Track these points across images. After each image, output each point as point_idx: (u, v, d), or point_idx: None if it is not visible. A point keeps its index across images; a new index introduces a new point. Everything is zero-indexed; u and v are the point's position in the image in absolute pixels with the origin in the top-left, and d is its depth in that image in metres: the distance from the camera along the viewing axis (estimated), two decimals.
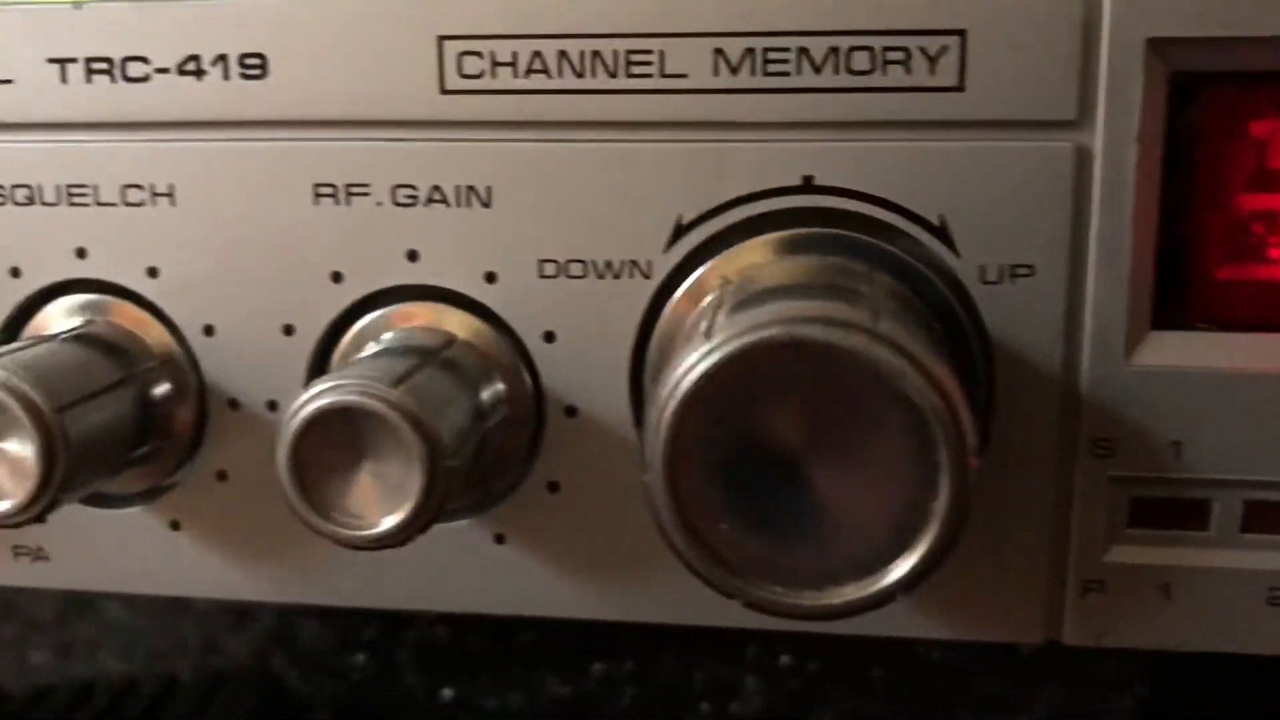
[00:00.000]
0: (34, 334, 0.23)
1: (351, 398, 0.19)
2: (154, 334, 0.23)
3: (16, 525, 0.20)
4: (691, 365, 0.17)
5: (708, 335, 0.17)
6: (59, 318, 0.23)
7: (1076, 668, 0.27)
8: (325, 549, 0.22)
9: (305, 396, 0.19)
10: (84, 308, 0.23)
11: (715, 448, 0.18)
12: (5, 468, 0.20)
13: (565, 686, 0.28)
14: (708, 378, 0.17)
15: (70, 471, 0.20)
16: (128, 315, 0.23)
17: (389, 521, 0.19)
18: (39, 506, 0.20)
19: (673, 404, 0.17)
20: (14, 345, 0.21)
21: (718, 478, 0.18)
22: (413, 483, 0.19)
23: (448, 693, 0.28)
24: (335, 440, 0.19)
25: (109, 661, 0.38)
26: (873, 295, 0.19)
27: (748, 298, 0.19)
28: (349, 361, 0.21)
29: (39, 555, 0.24)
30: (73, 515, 0.24)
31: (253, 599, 0.23)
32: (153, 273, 0.22)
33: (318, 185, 0.22)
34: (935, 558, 0.17)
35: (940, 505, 0.17)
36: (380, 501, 0.19)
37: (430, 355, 0.21)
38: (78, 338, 0.22)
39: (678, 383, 0.17)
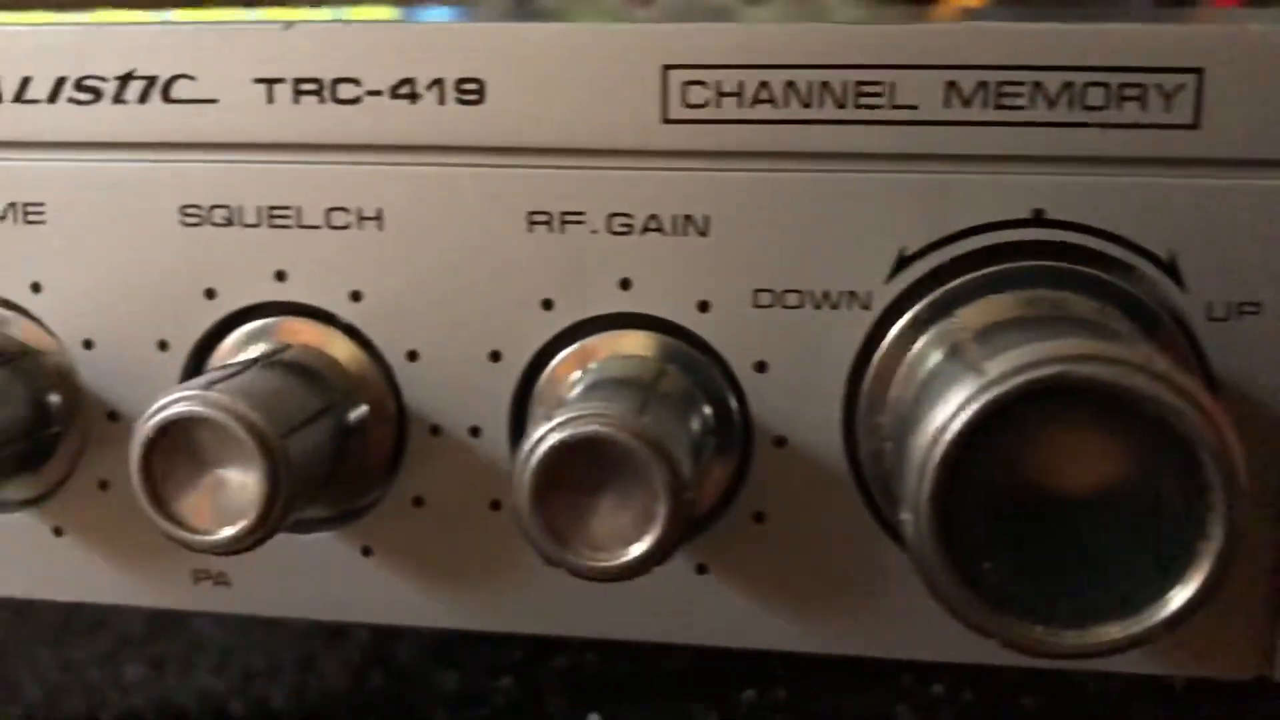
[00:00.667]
0: (222, 358, 0.23)
1: (600, 428, 0.19)
2: (351, 358, 0.22)
3: (234, 553, 0.20)
4: (965, 402, 0.17)
5: (978, 372, 0.17)
6: (247, 341, 0.23)
7: (1233, 700, 0.27)
8: (523, 576, 0.22)
9: (548, 427, 0.19)
10: (270, 331, 0.23)
11: (982, 486, 0.18)
12: (225, 494, 0.20)
13: (714, 713, 0.28)
14: (983, 415, 0.17)
15: (290, 499, 0.20)
16: (322, 339, 0.23)
17: (635, 551, 0.19)
18: (260, 534, 0.20)
19: (944, 441, 0.17)
20: (223, 371, 0.21)
21: (983, 516, 0.18)
22: (657, 515, 0.19)
23: (594, 718, 0.28)
24: (575, 472, 0.19)
25: (204, 679, 0.37)
26: (1127, 331, 0.19)
27: (990, 330, 0.19)
28: (570, 391, 0.21)
29: (220, 580, 0.24)
30: None
31: (447, 626, 0.23)
32: (356, 296, 0.22)
33: (532, 212, 0.21)
34: (1203, 598, 0.17)
35: (1211, 546, 0.17)
36: (621, 534, 0.19)
37: (651, 386, 0.21)
38: (278, 363, 0.22)
39: (949, 420, 0.17)
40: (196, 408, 0.20)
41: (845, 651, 0.22)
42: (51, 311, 0.23)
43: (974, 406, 0.17)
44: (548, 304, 0.22)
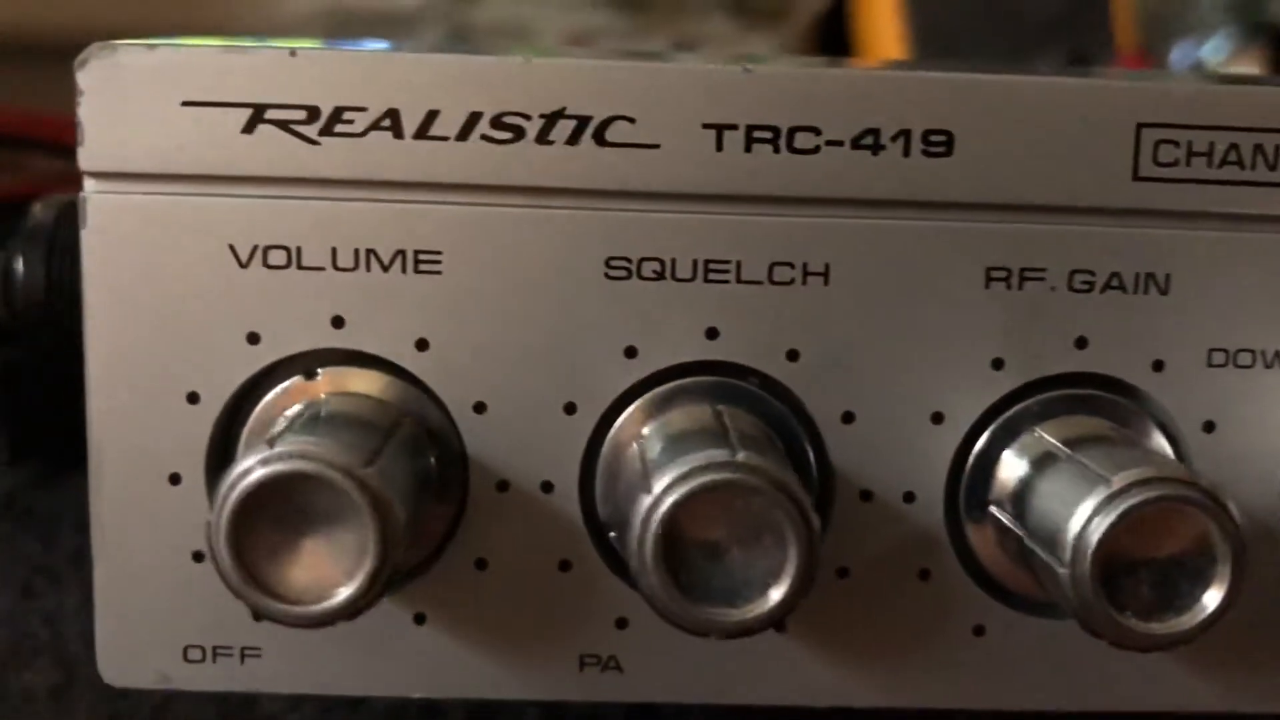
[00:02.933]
0: (634, 419, 0.21)
1: (1182, 491, 0.18)
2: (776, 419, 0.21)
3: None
4: None
5: None
6: (662, 402, 0.21)
7: None
8: (948, 650, 0.22)
9: (1120, 485, 0.18)
10: (692, 391, 0.21)
11: None
12: (750, 558, 0.18)
13: None
14: None
15: None
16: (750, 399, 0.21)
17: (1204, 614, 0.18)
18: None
19: None
20: (717, 440, 0.19)
21: None
22: (1219, 574, 0.19)
23: None
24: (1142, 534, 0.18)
25: None
26: None
27: None
28: (1032, 459, 0.21)
29: (609, 665, 0.22)
30: (649, 623, 0.21)
31: (870, 705, 0.22)
32: (793, 356, 0.21)
33: (991, 268, 0.21)
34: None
35: None
36: (1167, 604, 0.19)
37: (1130, 443, 0.20)
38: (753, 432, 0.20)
39: None
40: (739, 476, 0.18)
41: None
42: (437, 372, 0.21)
43: None
44: (998, 363, 0.21)
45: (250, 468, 0.18)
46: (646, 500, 0.18)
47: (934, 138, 0.21)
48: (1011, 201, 0.21)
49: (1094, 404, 0.21)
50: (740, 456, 0.18)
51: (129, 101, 0.20)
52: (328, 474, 0.18)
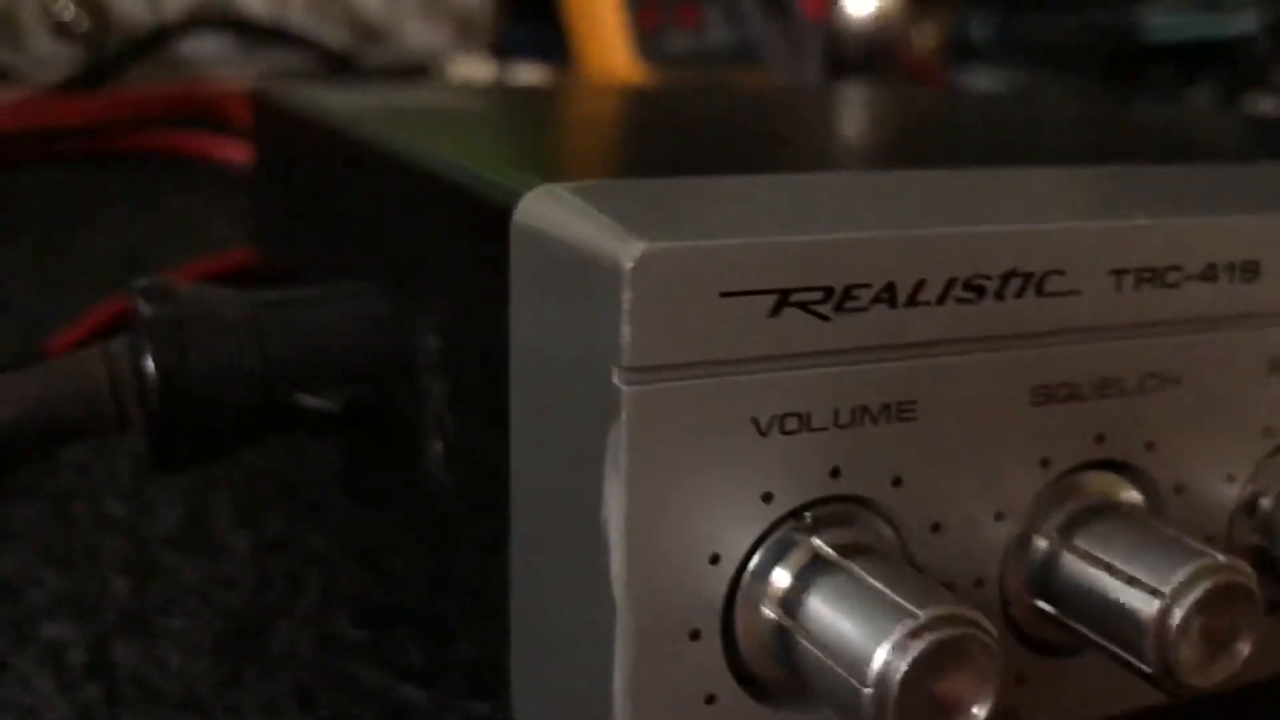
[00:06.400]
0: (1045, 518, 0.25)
1: None
2: None
3: None
4: None
5: None
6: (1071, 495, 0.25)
7: None
8: None
9: None
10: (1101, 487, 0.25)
11: None
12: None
13: None
14: None
15: None
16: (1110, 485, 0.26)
17: None
18: None
19: None
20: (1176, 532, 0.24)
21: None
22: None
23: None
24: None
25: None
26: None
27: None
28: None
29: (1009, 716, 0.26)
30: (1043, 681, 0.26)
31: None
32: (1149, 447, 0.26)
33: (1273, 360, 0.27)
34: None
35: None
36: None
37: None
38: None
39: None
40: (1242, 579, 0.23)
41: None
42: (905, 503, 0.24)
43: None
44: (1269, 431, 0.27)
45: (903, 642, 0.20)
46: (1155, 604, 0.23)
47: (1248, 266, 0.26)
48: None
49: None
50: (1223, 559, 0.23)
51: (677, 298, 0.21)
52: (980, 636, 0.21)
